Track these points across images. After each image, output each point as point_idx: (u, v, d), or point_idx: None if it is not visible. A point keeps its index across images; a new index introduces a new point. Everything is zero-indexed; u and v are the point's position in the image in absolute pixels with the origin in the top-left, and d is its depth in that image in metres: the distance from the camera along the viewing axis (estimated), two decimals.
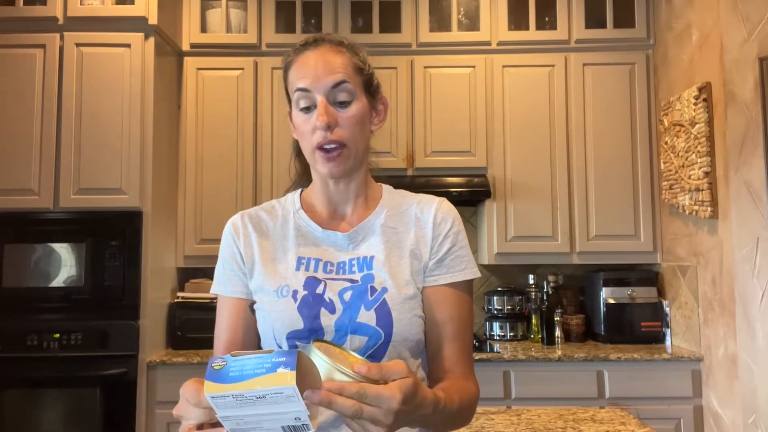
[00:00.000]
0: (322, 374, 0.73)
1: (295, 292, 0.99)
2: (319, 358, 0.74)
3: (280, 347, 0.98)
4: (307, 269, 1.01)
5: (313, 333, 0.96)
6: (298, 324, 0.97)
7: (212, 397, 0.70)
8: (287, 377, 0.68)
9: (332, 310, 0.97)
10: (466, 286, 1.05)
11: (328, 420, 0.95)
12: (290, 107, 1.06)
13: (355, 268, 1.01)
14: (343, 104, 1.00)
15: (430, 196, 1.11)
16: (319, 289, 0.99)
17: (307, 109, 1.00)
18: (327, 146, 0.98)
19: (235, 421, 0.72)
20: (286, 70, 1.05)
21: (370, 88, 1.06)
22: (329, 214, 1.08)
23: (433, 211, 1.07)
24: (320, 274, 1.01)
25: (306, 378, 0.71)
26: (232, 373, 0.70)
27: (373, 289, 0.98)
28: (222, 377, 0.71)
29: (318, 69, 0.99)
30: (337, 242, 1.04)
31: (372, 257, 1.02)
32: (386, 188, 1.13)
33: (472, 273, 1.05)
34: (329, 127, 0.98)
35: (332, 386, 0.71)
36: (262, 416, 0.71)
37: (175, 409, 0.80)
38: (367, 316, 0.96)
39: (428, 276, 1.03)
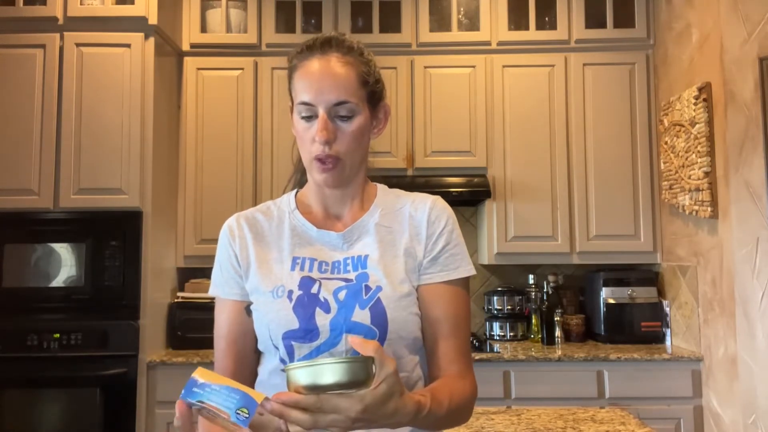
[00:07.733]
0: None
1: (291, 292, 0.99)
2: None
3: (277, 348, 0.99)
4: (302, 269, 1.02)
5: (308, 333, 0.97)
6: (294, 324, 0.97)
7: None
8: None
9: (327, 310, 0.98)
10: (462, 283, 1.05)
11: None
12: (292, 104, 1.05)
13: (349, 267, 1.02)
14: (344, 119, 1.00)
15: (425, 195, 1.11)
16: (314, 289, 0.99)
17: (309, 119, 1.00)
18: (324, 159, 0.99)
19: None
20: (290, 72, 1.05)
21: (373, 100, 1.05)
22: (324, 214, 1.09)
23: (427, 210, 1.07)
24: (315, 274, 1.01)
25: None
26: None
27: (368, 288, 0.99)
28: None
29: (322, 84, 0.99)
30: (332, 241, 1.05)
31: (366, 256, 1.03)
32: (381, 187, 1.13)
33: (467, 271, 1.05)
34: (328, 143, 0.99)
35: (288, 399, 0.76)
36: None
37: None
38: (361, 315, 0.97)
39: (423, 274, 1.04)
